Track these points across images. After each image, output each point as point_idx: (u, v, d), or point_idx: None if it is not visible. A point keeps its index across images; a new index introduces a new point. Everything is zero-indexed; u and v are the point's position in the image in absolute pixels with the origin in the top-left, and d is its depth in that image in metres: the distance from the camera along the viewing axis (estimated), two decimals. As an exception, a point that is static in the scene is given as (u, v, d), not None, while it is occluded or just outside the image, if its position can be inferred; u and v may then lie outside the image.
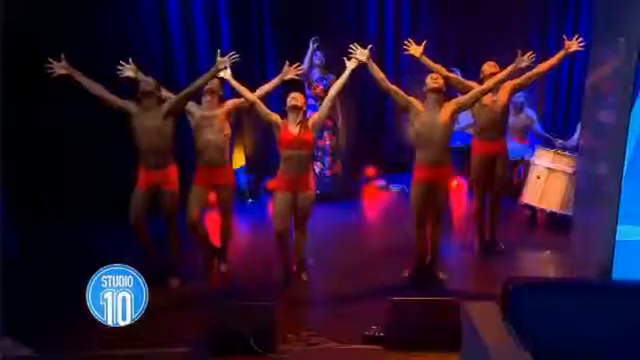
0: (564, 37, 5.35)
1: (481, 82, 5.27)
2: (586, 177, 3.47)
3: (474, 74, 5.50)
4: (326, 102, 4.93)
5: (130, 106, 4.80)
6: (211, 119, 4.98)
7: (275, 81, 5.08)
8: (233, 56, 4.88)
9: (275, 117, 4.84)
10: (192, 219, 5.03)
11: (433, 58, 5.18)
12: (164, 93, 4.94)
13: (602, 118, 3.24)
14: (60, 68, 4.78)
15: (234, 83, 4.91)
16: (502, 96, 5.38)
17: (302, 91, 5.41)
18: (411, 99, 4.85)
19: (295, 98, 4.83)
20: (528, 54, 5.14)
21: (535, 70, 5.31)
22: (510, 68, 5.09)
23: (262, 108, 4.85)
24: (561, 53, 5.29)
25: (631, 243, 3.12)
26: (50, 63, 4.78)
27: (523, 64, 5.15)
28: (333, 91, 4.92)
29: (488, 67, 5.35)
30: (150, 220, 4.97)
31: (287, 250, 5.04)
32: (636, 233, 3.13)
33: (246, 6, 7.27)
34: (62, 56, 4.78)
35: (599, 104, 3.31)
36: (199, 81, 4.87)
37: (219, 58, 4.83)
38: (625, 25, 2.94)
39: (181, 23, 7.00)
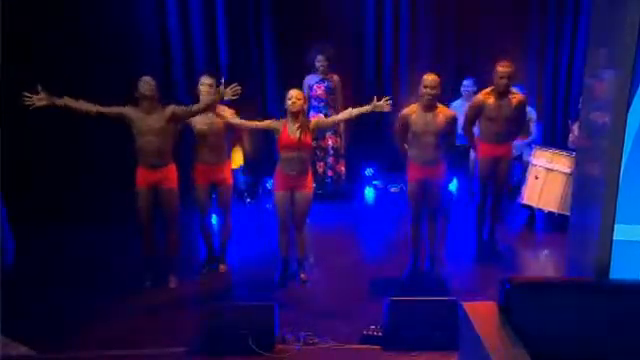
0: None
1: (494, 82, 5.33)
2: (583, 177, 3.46)
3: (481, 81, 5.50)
4: (333, 119, 5.29)
5: (128, 111, 4.76)
6: (209, 121, 5.02)
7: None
8: (234, 88, 4.79)
9: (274, 124, 4.88)
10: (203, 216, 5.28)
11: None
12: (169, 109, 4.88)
13: (599, 118, 3.24)
14: (39, 100, 4.55)
15: (236, 122, 5.01)
16: (511, 102, 5.39)
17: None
18: (404, 116, 4.95)
19: (295, 99, 4.81)
20: None
21: None
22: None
23: (261, 126, 4.98)
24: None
25: (628, 243, 3.13)
26: (28, 97, 4.52)
27: None
28: (342, 116, 4.99)
29: (503, 68, 5.31)
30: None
31: (287, 242, 5.08)
32: (633, 233, 3.14)
33: (244, 6, 7.27)
34: (39, 87, 4.54)
35: (596, 104, 3.31)
36: (201, 105, 4.87)
37: (221, 89, 4.78)
38: (621, 25, 2.94)
39: (179, 23, 7.01)
